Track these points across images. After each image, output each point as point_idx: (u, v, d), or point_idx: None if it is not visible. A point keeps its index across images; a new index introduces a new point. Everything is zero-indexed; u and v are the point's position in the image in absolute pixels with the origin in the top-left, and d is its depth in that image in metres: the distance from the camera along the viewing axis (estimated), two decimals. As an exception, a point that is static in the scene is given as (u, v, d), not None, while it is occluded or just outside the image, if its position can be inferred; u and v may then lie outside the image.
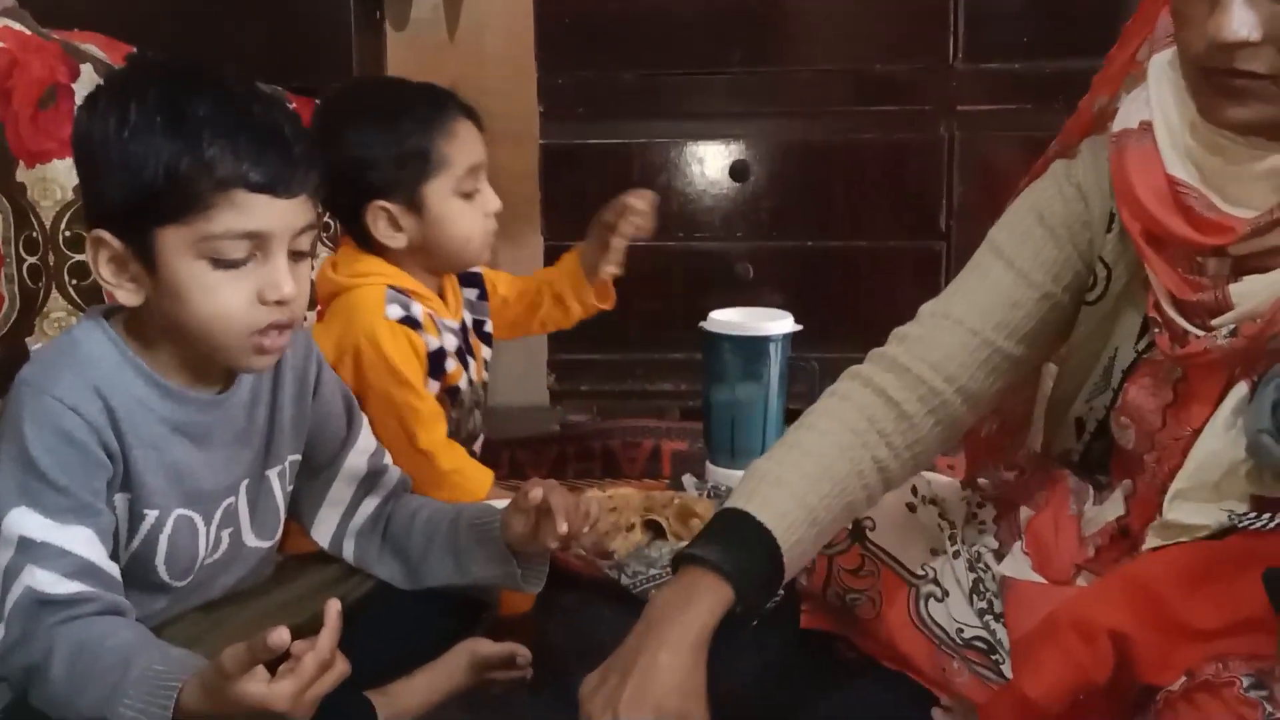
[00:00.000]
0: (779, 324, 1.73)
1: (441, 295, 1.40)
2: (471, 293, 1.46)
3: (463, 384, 1.37)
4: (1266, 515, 0.86)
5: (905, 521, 1.20)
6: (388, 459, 1.19)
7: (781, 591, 1.02)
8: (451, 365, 1.36)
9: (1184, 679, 0.80)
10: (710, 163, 1.98)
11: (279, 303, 0.94)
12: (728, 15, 1.92)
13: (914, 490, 1.21)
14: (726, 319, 1.75)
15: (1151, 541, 0.96)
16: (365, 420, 1.17)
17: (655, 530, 1.52)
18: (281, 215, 0.93)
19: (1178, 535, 0.93)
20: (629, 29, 1.94)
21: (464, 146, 1.31)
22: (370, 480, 1.16)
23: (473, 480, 1.33)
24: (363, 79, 1.74)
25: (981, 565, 1.16)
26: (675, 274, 2.01)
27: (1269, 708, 0.74)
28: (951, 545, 1.18)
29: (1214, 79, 0.87)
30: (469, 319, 1.43)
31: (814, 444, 1.01)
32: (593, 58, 1.95)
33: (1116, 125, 0.98)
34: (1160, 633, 0.83)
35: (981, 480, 1.26)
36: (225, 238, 0.92)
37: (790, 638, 1.26)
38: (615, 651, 0.90)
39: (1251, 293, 0.88)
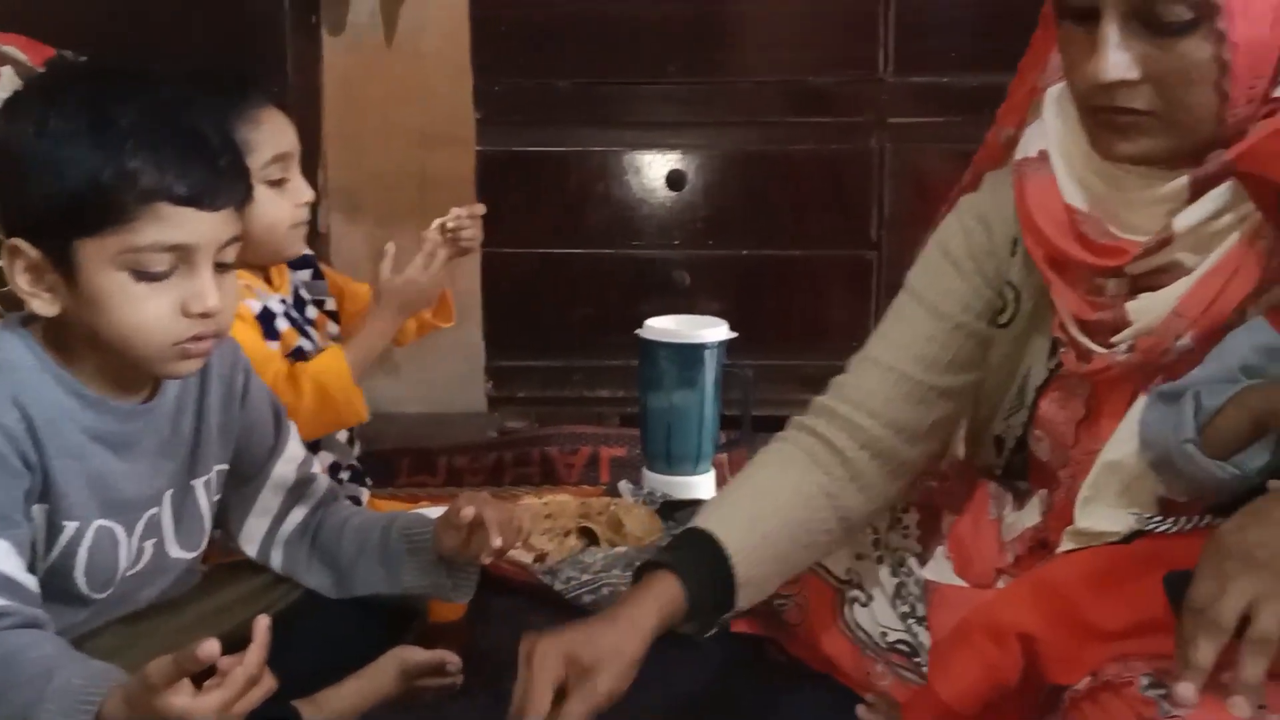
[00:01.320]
0: (714, 331, 1.75)
1: (268, 280, 1.39)
2: (304, 274, 1.44)
3: (307, 346, 1.36)
4: (1171, 519, 0.89)
5: (831, 526, 1.22)
6: (317, 467, 1.18)
7: (744, 605, 1.04)
8: (283, 325, 1.35)
9: (1089, 679, 0.83)
10: (647, 171, 2.00)
11: (203, 315, 0.93)
12: (664, 26, 1.94)
13: (840, 495, 1.24)
14: (662, 326, 1.76)
15: (1065, 546, 0.99)
16: (294, 428, 1.17)
17: (590, 537, 1.53)
18: (206, 228, 0.92)
19: (1089, 541, 0.96)
20: (566, 37, 1.95)
21: (269, 134, 1.30)
22: (299, 489, 1.15)
23: (332, 372, 1.30)
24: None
25: (905, 570, 1.19)
26: (613, 281, 2.03)
27: (1166, 706, 0.77)
28: (875, 550, 1.20)
29: (1100, 116, 0.91)
30: (306, 295, 1.42)
31: (756, 474, 1.09)
32: (530, 65, 1.96)
33: (1018, 154, 1.02)
34: (1067, 634, 0.85)
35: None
36: (148, 250, 0.90)
37: (721, 641, 1.28)
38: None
39: (1146, 309, 0.92)
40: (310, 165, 2.31)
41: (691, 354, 1.74)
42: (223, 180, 0.93)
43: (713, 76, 1.96)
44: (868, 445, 1.07)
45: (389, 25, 2.33)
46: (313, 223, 2.25)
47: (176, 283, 0.92)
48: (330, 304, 1.47)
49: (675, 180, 1.99)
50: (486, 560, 1.05)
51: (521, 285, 2.03)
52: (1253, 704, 0.74)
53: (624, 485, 1.75)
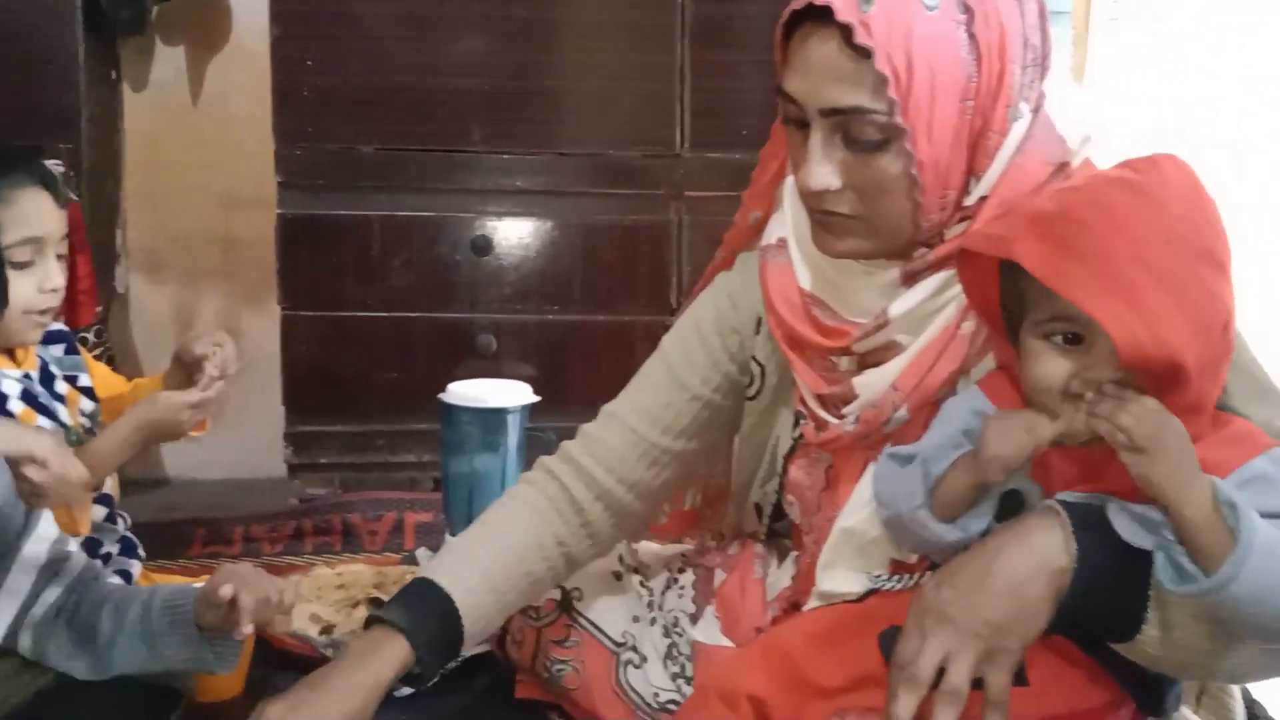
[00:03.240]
0: (516, 395, 1.77)
1: (12, 355, 1.34)
2: (57, 349, 1.40)
3: (48, 425, 1.32)
4: (896, 578, 0.96)
5: (610, 590, 1.26)
6: (73, 546, 1.14)
7: (466, 653, 1.10)
8: (18, 407, 1.30)
9: (811, 736, 0.88)
10: (452, 237, 2.02)
11: None
12: (469, 96, 1.98)
13: (620, 559, 1.28)
14: (465, 391, 1.77)
15: (811, 606, 1.05)
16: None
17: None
18: None
19: (831, 601, 1.02)
20: (370, 103, 1.96)
21: (21, 216, 1.25)
22: (51, 568, 1.10)
23: None
24: None
25: (678, 630, 1.23)
26: (417, 345, 2.03)
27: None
28: (650, 612, 1.24)
29: (815, 216, 0.99)
30: (56, 370, 1.39)
31: (499, 521, 1.15)
32: (333, 130, 1.96)
33: (763, 240, 1.09)
34: (793, 694, 0.90)
35: (686, 547, 1.34)
36: None
37: (505, 708, 1.29)
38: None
39: (870, 384, 1.00)
40: (109, 224, 2.25)
41: (494, 418, 1.75)
42: None
43: (517, 148, 2.01)
44: (602, 497, 1.14)
45: (195, 85, 2.30)
46: (111, 284, 2.20)
47: None
48: (84, 379, 1.42)
49: (481, 246, 2.02)
50: (240, 639, 1.03)
51: (323, 349, 2.01)
52: (943, 751, 0.80)
53: (422, 553, 1.74)
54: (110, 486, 1.41)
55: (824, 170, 0.94)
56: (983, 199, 0.96)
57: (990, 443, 0.85)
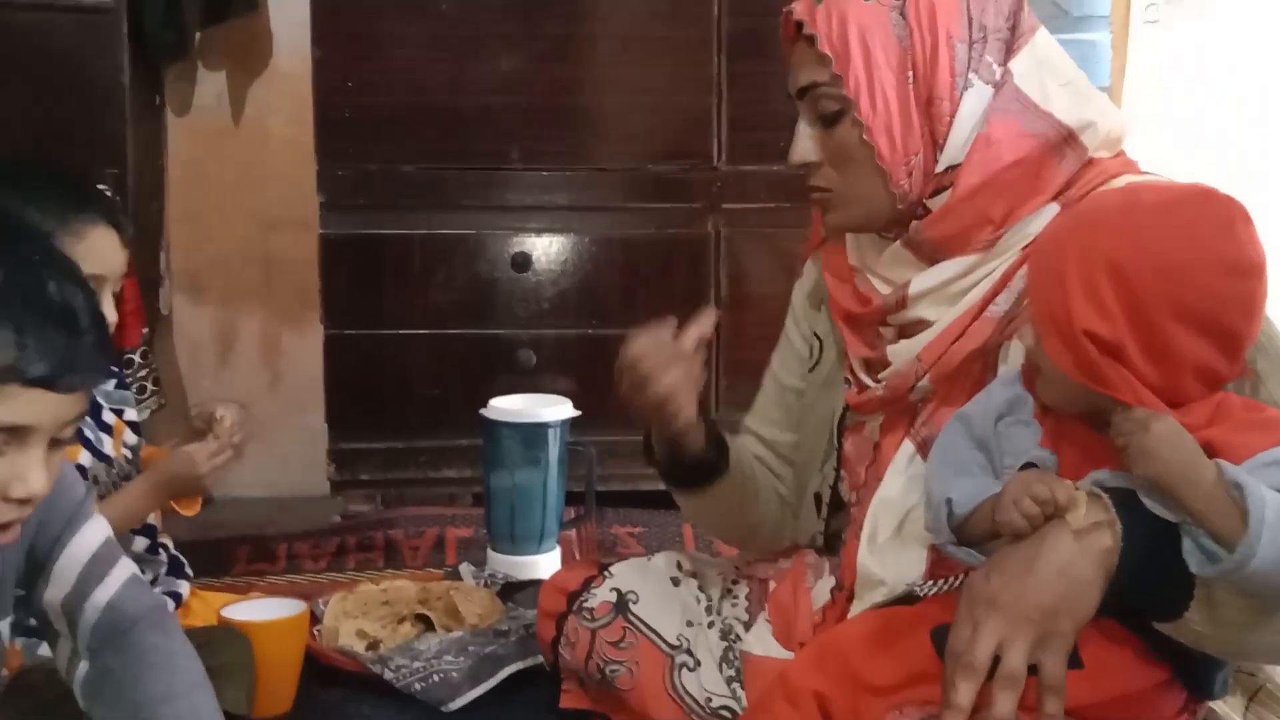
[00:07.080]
0: (557, 410, 1.77)
1: None
2: (107, 383, 1.40)
3: (85, 461, 1.33)
4: (937, 582, 0.97)
5: (667, 594, 1.26)
6: (102, 592, 0.97)
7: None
8: None
9: (870, 732, 0.87)
10: (491, 254, 2.03)
11: (22, 500, 0.82)
12: (506, 114, 2.00)
13: (679, 565, 1.28)
14: (506, 405, 1.78)
15: (857, 604, 1.05)
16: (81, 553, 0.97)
17: (426, 624, 1.51)
18: (53, 409, 0.82)
19: (872, 588, 1.05)
20: (410, 123, 1.99)
21: (87, 252, 1.23)
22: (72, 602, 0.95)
23: None
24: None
25: (733, 636, 1.22)
26: (458, 361, 2.04)
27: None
28: (707, 616, 1.24)
29: (809, 196, 1.10)
30: (103, 401, 1.38)
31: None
32: (373, 150, 1.98)
33: None
34: (850, 692, 0.90)
35: (738, 558, 1.33)
36: None
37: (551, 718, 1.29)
38: None
39: (899, 352, 1.08)
40: (153, 247, 2.28)
41: (535, 433, 1.76)
42: (83, 360, 0.82)
43: (555, 165, 2.02)
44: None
45: (236, 107, 2.33)
46: (155, 306, 2.23)
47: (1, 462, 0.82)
48: (131, 414, 1.42)
49: (521, 262, 2.03)
50: None
51: (364, 367, 2.02)
52: (1004, 734, 0.80)
53: (465, 567, 1.74)
54: (153, 517, 1.42)
55: (803, 144, 1.07)
56: (953, 168, 1.03)
57: (1005, 504, 0.87)
